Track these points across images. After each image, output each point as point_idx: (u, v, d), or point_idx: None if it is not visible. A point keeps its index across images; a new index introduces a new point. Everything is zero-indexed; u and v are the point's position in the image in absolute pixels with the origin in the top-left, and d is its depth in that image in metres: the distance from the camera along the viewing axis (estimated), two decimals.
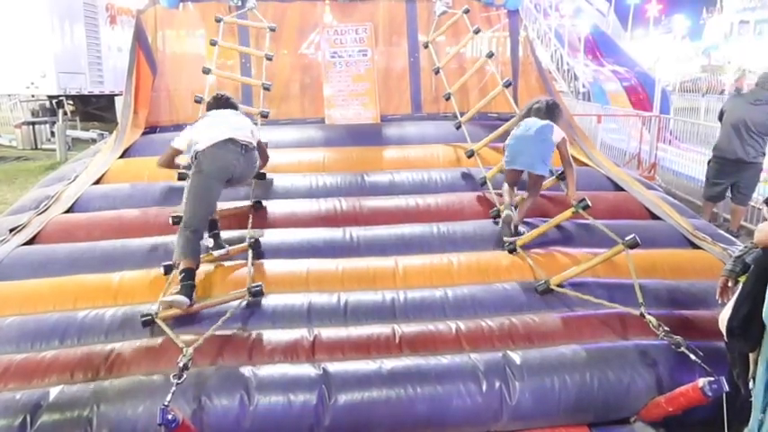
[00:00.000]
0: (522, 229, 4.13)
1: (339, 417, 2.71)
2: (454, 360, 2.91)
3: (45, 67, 12.27)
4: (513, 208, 4.18)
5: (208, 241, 3.81)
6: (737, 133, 6.13)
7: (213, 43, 5.88)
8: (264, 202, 4.49)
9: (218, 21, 6.07)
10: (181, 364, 2.65)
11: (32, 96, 13.19)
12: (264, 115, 5.41)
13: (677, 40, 36.00)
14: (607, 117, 11.02)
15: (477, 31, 6.05)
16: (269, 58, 5.98)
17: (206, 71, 5.62)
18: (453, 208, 4.56)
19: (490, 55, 5.89)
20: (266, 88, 5.73)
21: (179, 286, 3.26)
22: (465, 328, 3.17)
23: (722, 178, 6.35)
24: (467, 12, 6.27)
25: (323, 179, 4.92)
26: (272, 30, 6.21)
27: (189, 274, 3.31)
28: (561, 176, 4.25)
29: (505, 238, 4.03)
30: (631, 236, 3.32)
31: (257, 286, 3.38)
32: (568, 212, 3.94)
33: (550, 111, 4.28)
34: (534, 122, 4.19)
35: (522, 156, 4.18)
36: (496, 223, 4.26)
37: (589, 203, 3.82)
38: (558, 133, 4.15)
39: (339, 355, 3.00)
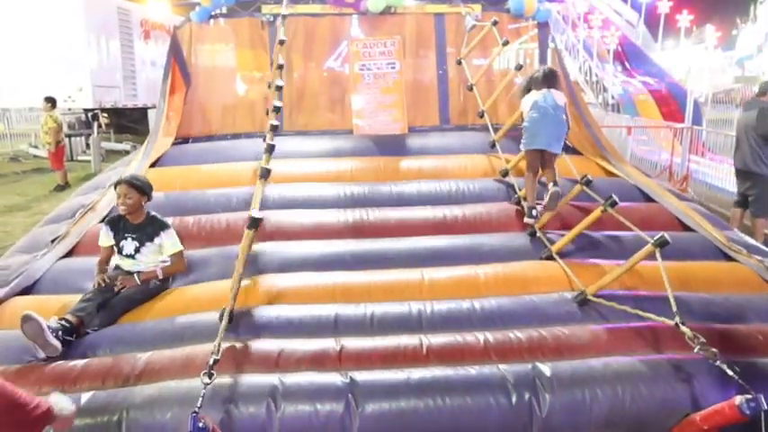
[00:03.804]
0: (551, 235, 4.17)
1: (366, 426, 2.69)
2: (483, 371, 2.88)
3: (82, 82, 12.65)
4: (537, 209, 4.35)
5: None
6: (739, 143, 6.31)
7: (282, 42, 5.80)
8: (292, 212, 4.53)
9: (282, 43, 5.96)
10: (211, 361, 2.66)
11: (69, 110, 13.58)
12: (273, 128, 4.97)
13: (709, 50, 35.34)
14: (637, 129, 10.88)
15: (505, 44, 6.05)
16: (279, 67, 5.96)
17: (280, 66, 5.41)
18: (481, 219, 4.54)
19: (519, 67, 5.88)
20: (276, 110, 5.72)
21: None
22: (493, 340, 3.13)
23: (739, 187, 6.51)
24: (495, 24, 6.27)
25: (350, 188, 4.95)
26: (281, 43, 6.16)
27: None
28: (585, 182, 4.19)
29: (526, 219, 4.31)
30: (660, 234, 3.24)
31: None
32: (597, 212, 3.90)
33: (547, 79, 4.51)
34: (545, 103, 4.42)
35: (541, 137, 4.42)
36: (532, 235, 4.28)
37: (617, 200, 3.77)
38: (560, 99, 4.45)
39: (366, 365, 2.99)
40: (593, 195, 4.10)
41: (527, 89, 4.64)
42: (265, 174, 3.93)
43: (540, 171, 4.53)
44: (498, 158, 5.38)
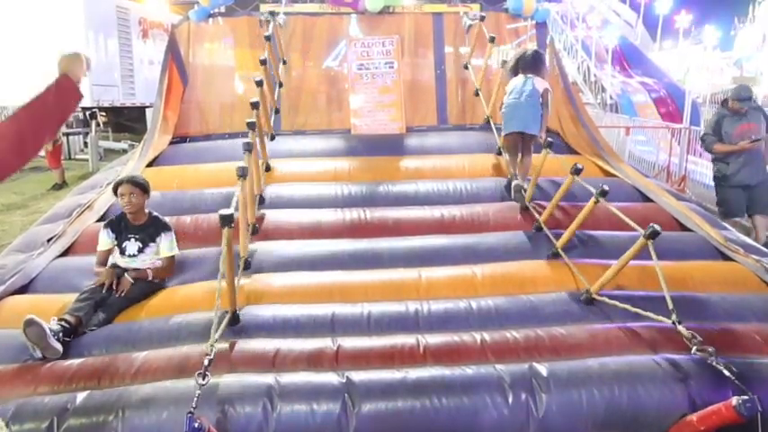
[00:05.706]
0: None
1: (363, 426, 2.68)
2: (480, 371, 2.87)
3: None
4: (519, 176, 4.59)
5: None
6: None
7: (263, 62, 5.75)
8: (289, 211, 4.52)
9: (268, 39, 6.05)
10: (206, 362, 2.64)
11: None
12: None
13: (707, 50, 35.37)
14: (636, 129, 10.88)
15: (492, 40, 6.03)
16: (284, 62, 6.30)
17: (259, 83, 5.22)
18: (479, 219, 4.53)
19: (504, 63, 5.89)
20: (276, 111, 5.96)
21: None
22: (490, 340, 3.13)
23: None
24: (482, 19, 6.28)
25: (348, 188, 4.95)
26: (284, 63, 6.51)
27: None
28: (575, 171, 4.16)
29: (516, 197, 4.58)
30: (650, 226, 3.21)
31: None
32: (591, 204, 3.87)
33: (535, 63, 4.77)
34: (523, 87, 4.66)
35: (516, 119, 4.69)
36: (538, 230, 4.28)
37: (607, 189, 3.72)
38: (540, 85, 4.65)
39: (363, 365, 2.98)
40: (586, 186, 4.06)
41: (514, 70, 4.82)
42: (244, 173, 3.78)
43: (519, 157, 4.80)
44: (497, 158, 5.37)
